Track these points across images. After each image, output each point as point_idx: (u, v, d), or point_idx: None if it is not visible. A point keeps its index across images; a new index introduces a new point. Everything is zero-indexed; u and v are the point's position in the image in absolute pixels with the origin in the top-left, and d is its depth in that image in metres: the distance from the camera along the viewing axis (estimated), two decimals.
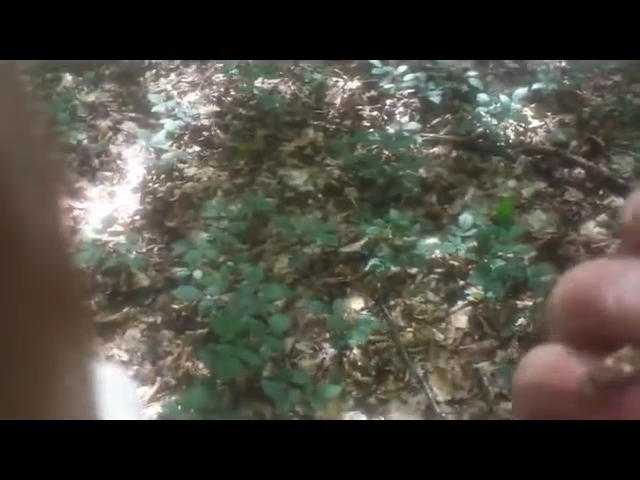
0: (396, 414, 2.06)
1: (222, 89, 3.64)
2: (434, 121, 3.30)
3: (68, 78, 3.78)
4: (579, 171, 2.96)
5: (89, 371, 0.26)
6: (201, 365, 2.21)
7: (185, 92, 3.65)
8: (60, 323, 0.24)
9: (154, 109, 3.29)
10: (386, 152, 3.05)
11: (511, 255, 2.47)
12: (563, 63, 3.68)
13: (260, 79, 3.62)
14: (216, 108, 3.49)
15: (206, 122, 3.39)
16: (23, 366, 0.22)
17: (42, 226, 0.23)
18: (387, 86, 3.43)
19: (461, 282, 2.46)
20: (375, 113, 3.42)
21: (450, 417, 2.04)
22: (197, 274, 2.38)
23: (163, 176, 3.05)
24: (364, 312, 2.37)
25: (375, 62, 3.44)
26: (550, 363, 0.22)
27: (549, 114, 3.33)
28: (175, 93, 3.61)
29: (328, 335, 2.27)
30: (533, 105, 3.36)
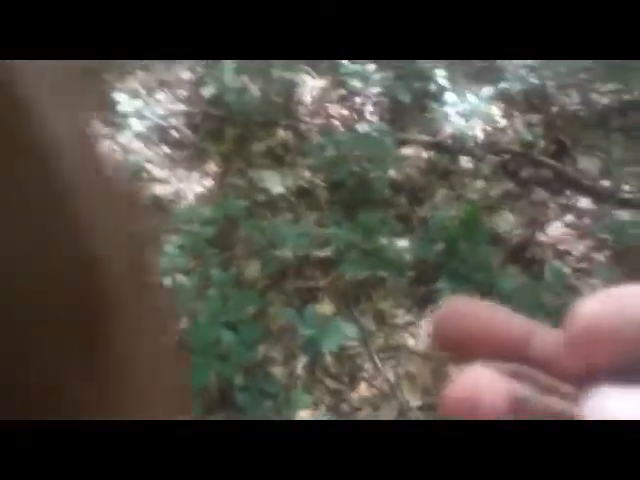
0: None
1: (191, 88, 3.60)
2: (403, 121, 3.31)
3: None
4: (546, 171, 3.00)
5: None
6: None
7: (153, 89, 3.60)
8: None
9: (120, 108, 3.24)
10: (356, 153, 3.05)
11: (479, 257, 2.50)
12: (530, 61, 3.71)
13: (229, 77, 3.58)
14: (185, 107, 3.45)
15: (174, 121, 3.35)
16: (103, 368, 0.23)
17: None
18: (356, 85, 3.42)
19: (431, 285, 2.48)
20: (345, 112, 3.41)
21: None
22: (166, 281, 2.36)
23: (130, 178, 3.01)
24: (336, 317, 2.38)
25: (343, 61, 3.43)
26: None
27: (516, 114, 3.36)
28: (142, 92, 3.56)
29: (300, 342, 2.28)
30: (501, 104, 3.38)
